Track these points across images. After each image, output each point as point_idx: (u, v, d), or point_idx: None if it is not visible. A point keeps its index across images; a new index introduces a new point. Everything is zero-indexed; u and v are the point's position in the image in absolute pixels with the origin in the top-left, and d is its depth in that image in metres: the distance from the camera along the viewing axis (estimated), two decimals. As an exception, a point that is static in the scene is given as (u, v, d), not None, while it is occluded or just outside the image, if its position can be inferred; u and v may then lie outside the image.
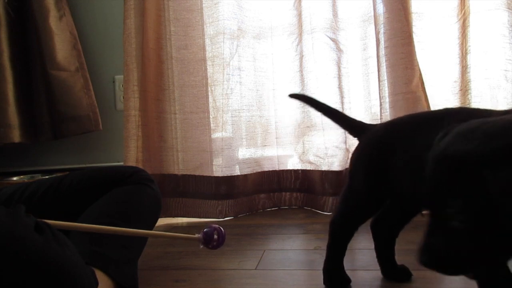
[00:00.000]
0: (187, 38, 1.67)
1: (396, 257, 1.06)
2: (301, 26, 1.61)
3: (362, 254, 0.90)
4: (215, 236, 0.81)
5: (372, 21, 1.54)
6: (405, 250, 1.12)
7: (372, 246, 0.95)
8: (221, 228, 0.79)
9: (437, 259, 0.52)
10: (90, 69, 1.82)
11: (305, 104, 1.56)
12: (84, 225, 0.81)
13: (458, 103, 1.50)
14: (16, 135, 1.77)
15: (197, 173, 1.66)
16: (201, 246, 0.81)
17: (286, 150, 1.71)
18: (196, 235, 0.82)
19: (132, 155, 1.61)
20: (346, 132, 1.27)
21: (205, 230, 0.80)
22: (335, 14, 1.60)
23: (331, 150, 1.60)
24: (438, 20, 1.51)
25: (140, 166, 1.59)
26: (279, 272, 1.03)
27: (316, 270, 1.03)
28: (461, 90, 1.48)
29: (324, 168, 1.61)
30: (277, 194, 1.72)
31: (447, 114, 0.70)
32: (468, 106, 1.44)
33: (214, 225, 0.80)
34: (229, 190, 1.64)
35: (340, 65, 1.61)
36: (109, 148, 1.86)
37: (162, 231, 1.47)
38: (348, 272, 0.92)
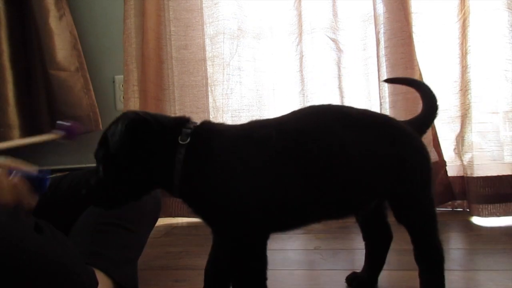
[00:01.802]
0: (187, 38, 1.67)
1: (396, 257, 1.06)
2: (301, 26, 1.61)
3: (362, 254, 0.90)
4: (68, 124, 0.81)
5: (372, 21, 1.54)
6: (405, 250, 1.12)
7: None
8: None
9: (89, 194, 0.73)
10: (90, 69, 1.82)
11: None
12: None
13: (458, 103, 1.50)
14: (16, 135, 1.77)
15: (197, 173, 1.66)
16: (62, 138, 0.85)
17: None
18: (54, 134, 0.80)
19: (132, 155, 1.61)
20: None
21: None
22: (335, 14, 1.60)
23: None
24: (438, 20, 1.51)
25: (140, 166, 1.58)
26: (279, 272, 1.03)
27: (316, 270, 1.03)
28: (461, 90, 1.49)
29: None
30: (277, 194, 1.72)
31: None
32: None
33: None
34: (229, 190, 1.63)
35: (340, 65, 1.61)
36: (109, 148, 1.86)
37: (162, 231, 1.47)
38: (348, 272, 0.92)
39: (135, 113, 0.72)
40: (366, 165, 0.71)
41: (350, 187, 0.72)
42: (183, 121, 0.74)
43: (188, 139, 0.70)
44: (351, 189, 0.72)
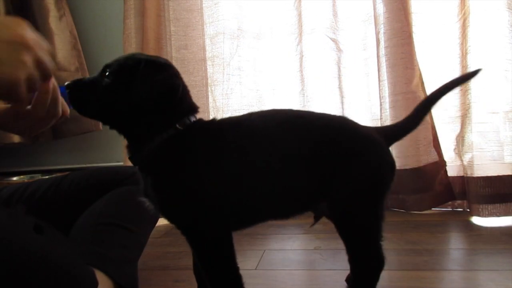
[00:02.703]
0: (187, 38, 1.67)
1: (396, 257, 1.06)
2: (301, 26, 1.61)
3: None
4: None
5: (372, 21, 1.54)
6: (405, 250, 1.12)
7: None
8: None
9: (77, 98, 0.72)
10: (90, 69, 1.82)
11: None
12: None
13: (458, 103, 1.50)
14: (16, 138, 1.76)
15: (197, 173, 1.66)
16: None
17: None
18: None
19: (132, 155, 1.61)
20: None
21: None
22: (335, 14, 1.60)
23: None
24: (438, 20, 1.51)
25: (140, 166, 1.58)
26: (279, 272, 1.03)
27: (316, 270, 1.03)
28: (461, 90, 1.48)
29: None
30: (277, 194, 1.72)
31: None
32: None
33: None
34: (229, 190, 1.63)
35: (340, 65, 1.61)
36: (109, 148, 1.86)
37: (162, 231, 1.47)
38: (348, 272, 0.92)
39: (182, 81, 0.78)
40: (302, 166, 0.72)
41: (288, 186, 0.73)
42: (192, 110, 0.78)
43: (182, 128, 0.74)
44: (290, 189, 0.73)
